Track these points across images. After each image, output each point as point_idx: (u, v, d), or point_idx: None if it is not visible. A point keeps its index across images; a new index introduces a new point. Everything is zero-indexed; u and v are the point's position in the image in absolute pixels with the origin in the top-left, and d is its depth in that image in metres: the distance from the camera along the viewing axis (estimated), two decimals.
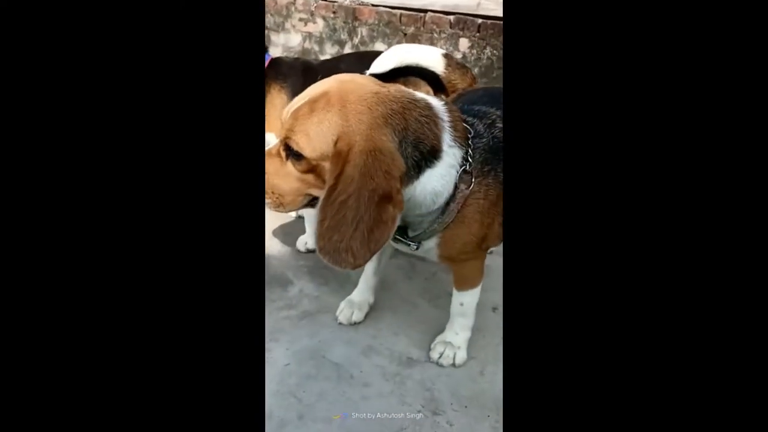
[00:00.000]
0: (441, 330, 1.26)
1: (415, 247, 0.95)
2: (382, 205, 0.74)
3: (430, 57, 1.28)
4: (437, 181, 0.83)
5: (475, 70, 2.59)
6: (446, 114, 0.84)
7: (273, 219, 1.71)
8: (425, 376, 1.14)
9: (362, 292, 1.31)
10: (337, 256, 0.76)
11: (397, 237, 0.95)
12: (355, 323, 1.28)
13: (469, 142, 0.86)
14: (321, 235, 0.76)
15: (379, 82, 0.84)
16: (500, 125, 0.93)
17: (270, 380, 1.09)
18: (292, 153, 0.81)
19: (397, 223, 0.77)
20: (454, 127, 0.84)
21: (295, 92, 1.53)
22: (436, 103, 0.86)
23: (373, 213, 0.74)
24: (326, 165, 0.78)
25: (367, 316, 1.30)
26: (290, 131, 0.79)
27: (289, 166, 0.82)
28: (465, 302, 1.14)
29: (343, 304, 1.30)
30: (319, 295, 1.39)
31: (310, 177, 0.82)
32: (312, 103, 0.78)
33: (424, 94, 0.86)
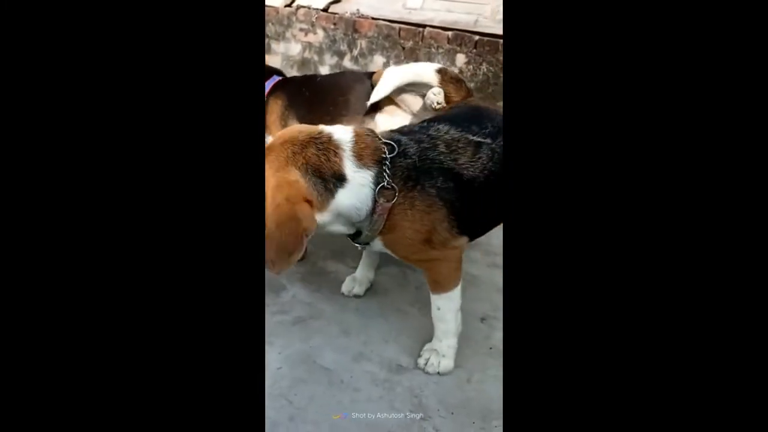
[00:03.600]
0: (431, 337, 1.29)
1: (361, 247, 1.18)
2: (292, 224, 0.94)
3: (425, 73, 1.36)
4: (352, 197, 1.02)
5: (471, 86, 2.65)
6: (349, 143, 1.03)
7: None
8: (414, 383, 1.17)
9: (363, 270, 1.46)
10: (267, 262, 0.95)
11: (351, 239, 1.15)
12: (355, 296, 1.44)
13: (385, 164, 1.02)
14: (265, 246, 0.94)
15: (307, 130, 1.04)
16: (443, 148, 1.07)
17: None
18: None
19: (308, 237, 0.98)
20: (357, 154, 1.02)
21: (289, 99, 1.64)
22: (342, 135, 1.04)
23: (285, 230, 0.94)
24: None
25: (358, 322, 1.33)
26: None
27: None
28: (440, 306, 1.19)
29: (347, 279, 1.47)
30: (312, 301, 1.42)
31: None
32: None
33: (333, 129, 1.05)
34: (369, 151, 1.03)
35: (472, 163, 1.08)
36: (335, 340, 1.28)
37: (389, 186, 1.01)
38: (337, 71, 1.87)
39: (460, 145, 1.09)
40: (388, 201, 1.02)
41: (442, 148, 1.08)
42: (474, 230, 1.18)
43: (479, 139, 1.12)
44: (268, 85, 1.68)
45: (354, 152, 1.03)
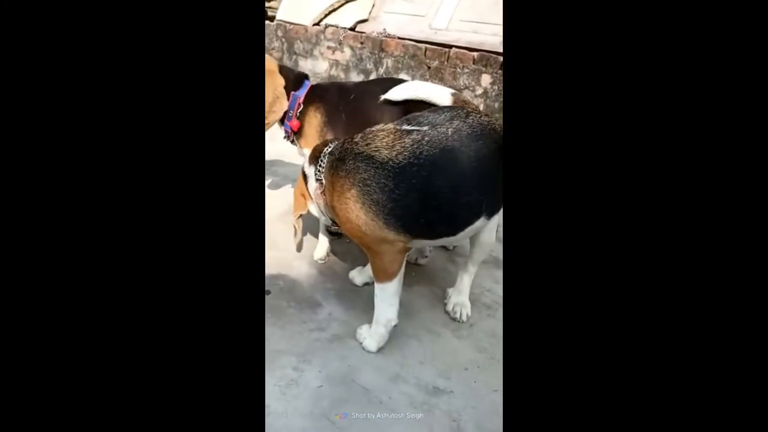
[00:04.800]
0: (464, 360, 1.31)
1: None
2: (298, 206, 1.47)
3: (440, 95, 1.50)
4: (311, 189, 1.37)
5: (495, 105, 2.69)
6: (311, 149, 1.40)
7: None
8: (452, 407, 1.18)
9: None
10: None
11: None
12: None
13: (319, 161, 1.29)
14: None
15: None
16: (358, 139, 1.21)
17: (304, 402, 1.13)
18: None
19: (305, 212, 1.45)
20: (311, 156, 1.36)
21: (328, 111, 1.68)
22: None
23: (295, 206, 1.49)
24: None
25: (392, 342, 1.35)
26: None
27: None
28: (376, 293, 1.30)
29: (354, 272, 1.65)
30: (347, 319, 1.44)
31: None
32: None
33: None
34: (315, 152, 1.34)
35: (388, 148, 1.14)
36: (372, 359, 1.30)
37: (318, 177, 1.29)
38: (372, 82, 1.86)
39: (381, 134, 1.19)
40: (319, 188, 1.30)
41: (357, 138, 1.22)
42: (408, 221, 1.15)
43: (409, 128, 1.18)
44: (302, 92, 1.73)
45: (310, 155, 1.36)
